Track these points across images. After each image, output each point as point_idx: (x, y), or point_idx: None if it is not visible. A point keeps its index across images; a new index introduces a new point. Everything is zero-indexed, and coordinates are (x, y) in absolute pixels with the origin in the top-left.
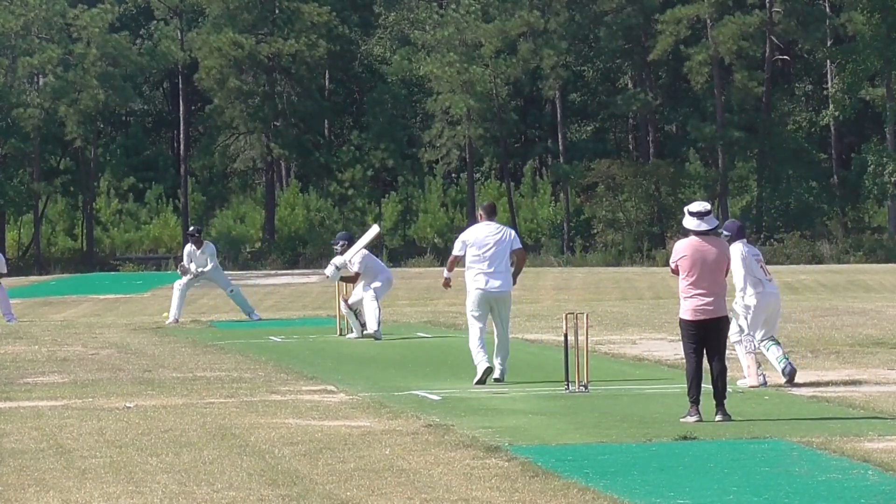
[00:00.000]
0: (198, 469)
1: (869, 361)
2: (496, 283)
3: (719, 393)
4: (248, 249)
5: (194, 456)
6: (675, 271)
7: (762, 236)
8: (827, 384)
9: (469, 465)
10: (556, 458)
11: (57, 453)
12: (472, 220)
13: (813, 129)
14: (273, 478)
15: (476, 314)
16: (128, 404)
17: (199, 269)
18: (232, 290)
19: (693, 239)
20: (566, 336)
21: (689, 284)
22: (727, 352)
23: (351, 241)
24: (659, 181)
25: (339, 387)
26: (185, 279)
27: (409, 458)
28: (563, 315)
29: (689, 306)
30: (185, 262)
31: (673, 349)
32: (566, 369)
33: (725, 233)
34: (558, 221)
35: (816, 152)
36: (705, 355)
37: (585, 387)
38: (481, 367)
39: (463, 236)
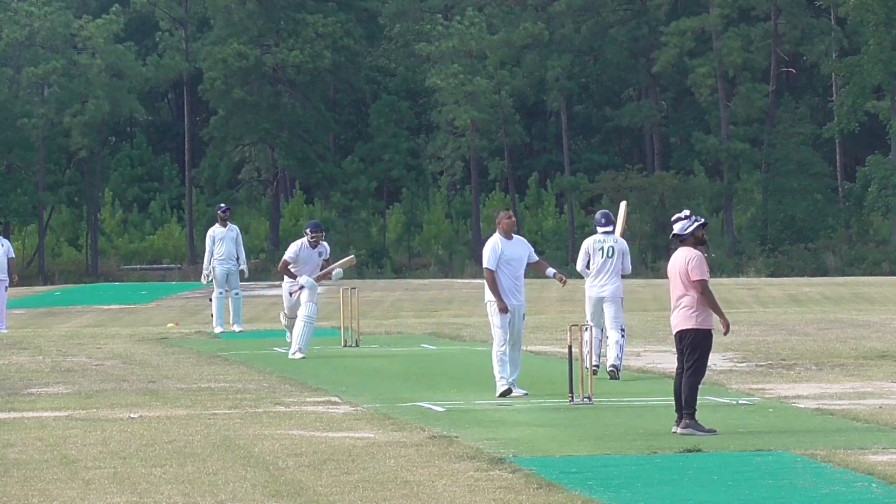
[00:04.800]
0: (202, 480)
1: (873, 374)
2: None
3: (679, 406)
4: (252, 260)
5: (198, 467)
6: None
7: (767, 248)
8: (831, 396)
9: (473, 476)
10: (560, 470)
11: (61, 464)
12: (476, 232)
13: (818, 142)
14: (277, 489)
15: None
16: (132, 415)
17: (240, 267)
18: (237, 294)
19: (676, 251)
20: (570, 348)
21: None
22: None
23: (318, 229)
24: (663, 193)
25: (344, 398)
26: (216, 288)
27: (413, 469)
28: (568, 327)
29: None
30: (207, 251)
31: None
32: (570, 381)
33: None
34: (563, 233)
35: (821, 164)
36: None
37: (589, 399)
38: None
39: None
